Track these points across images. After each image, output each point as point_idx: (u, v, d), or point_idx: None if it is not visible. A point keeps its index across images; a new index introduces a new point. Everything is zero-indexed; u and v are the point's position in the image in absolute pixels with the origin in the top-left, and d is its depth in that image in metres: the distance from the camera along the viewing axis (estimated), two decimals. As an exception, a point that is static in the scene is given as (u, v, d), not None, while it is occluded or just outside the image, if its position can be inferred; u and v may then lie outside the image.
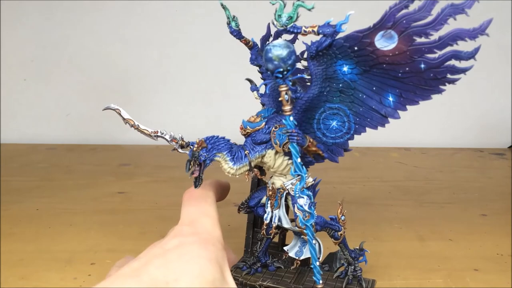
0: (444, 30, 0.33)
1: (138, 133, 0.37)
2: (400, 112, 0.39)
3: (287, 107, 0.36)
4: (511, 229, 0.64)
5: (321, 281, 0.40)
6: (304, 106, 0.39)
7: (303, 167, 0.38)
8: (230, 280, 0.30)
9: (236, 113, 0.42)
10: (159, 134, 0.39)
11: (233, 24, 0.42)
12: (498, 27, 1.04)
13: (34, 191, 0.76)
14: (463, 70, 0.34)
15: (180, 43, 1.03)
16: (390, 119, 0.40)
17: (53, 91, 1.06)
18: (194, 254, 0.29)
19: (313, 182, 0.42)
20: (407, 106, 0.38)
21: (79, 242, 0.58)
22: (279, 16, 0.37)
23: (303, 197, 0.39)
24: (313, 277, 0.40)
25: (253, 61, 0.43)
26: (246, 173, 0.40)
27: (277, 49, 0.33)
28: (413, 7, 0.33)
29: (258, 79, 0.45)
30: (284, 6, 0.36)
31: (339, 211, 0.44)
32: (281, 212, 0.42)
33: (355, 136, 0.42)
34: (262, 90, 0.44)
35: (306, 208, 0.39)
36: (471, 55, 0.33)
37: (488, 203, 0.73)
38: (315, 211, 0.40)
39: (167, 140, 0.40)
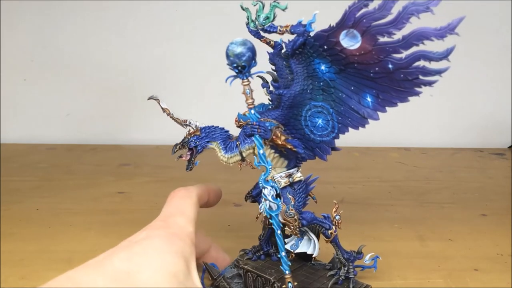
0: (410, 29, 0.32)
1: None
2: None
3: (249, 101, 0.38)
4: (511, 229, 0.64)
5: (287, 272, 0.41)
6: (287, 102, 0.40)
7: (268, 159, 0.40)
8: (195, 274, 0.30)
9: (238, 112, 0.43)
10: (187, 123, 0.42)
11: (251, 25, 0.42)
12: (498, 27, 1.05)
13: (34, 191, 0.76)
14: (437, 72, 0.33)
15: (181, 42, 1.03)
16: (371, 121, 0.39)
17: (53, 91, 1.06)
18: (158, 247, 0.29)
19: (301, 177, 0.43)
20: (387, 108, 0.38)
21: (79, 242, 0.58)
22: (258, 16, 0.39)
23: (266, 187, 0.40)
24: (280, 267, 0.41)
25: (270, 60, 0.43)
26: (239, 163, 0.42)
27: (233, 46, 0.35)
28: (376, 6, 0.33)
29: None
30: (263, 7, 0.38)
31: (333, 210, 0.45)
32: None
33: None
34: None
35: (269, 198, 0.40)
36: (442, 56, 0.32)
37: (488, 203, 0.73)
38: (280, 204, 0.40)
39: (192, 129, 0.42)
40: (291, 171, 0.42)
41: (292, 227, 0.42)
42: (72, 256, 0.55)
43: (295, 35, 0.38)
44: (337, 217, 0.44)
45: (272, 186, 0.40)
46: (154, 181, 0.82)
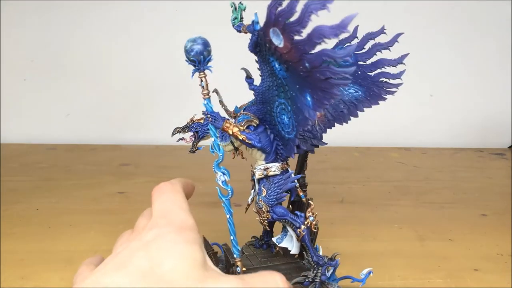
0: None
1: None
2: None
3: (204, 92, 0.40)
4: (511, 229, 0.64)
5: (235, 255, 0.42)
6: (258, 98, 0.42)
7: (220, 147, 0.41)
8: (209, 261, 0.31)
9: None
10: (232, 115, 0.45)
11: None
12: (498, 27, 1.05)
13: (34, 191, 0.76)
14: (344, 72, 0.31)
15: (181, 42, 1.03)
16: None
17: (53, 91, 1.06)
18: (173, 240, 0.30)
19: (275, 172, 0.43)
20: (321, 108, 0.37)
21: (79, 242, 0.58)
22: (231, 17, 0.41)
23: (217, 173, 0.41)
24: (231, 249, 0.42)
25: None
26: (233, 152, 0.44)
27: (186, 42, 0.38)
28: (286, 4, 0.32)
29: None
30: (236, 8, 0.41)
31: (308, 210, 0.44)
32: (255, 193, 0.45)
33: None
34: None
35: (220, 183, 0.41)
36: (344, 55, 0.31)
37: (488, 203, 0.73)
38: (229, 191, 0.41)
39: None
40: (269, 164, 0.43)
41: (261, 218, 0.44)
42: (72, 256, 0.55)
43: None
44: (311, 218, 0.44)
45: (222, 173, 0.41)
46: (154, 181, 0.81)
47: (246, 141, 0.42)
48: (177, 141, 0.45)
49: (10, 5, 1.01)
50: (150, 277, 0.27)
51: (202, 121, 0.45)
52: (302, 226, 0.43)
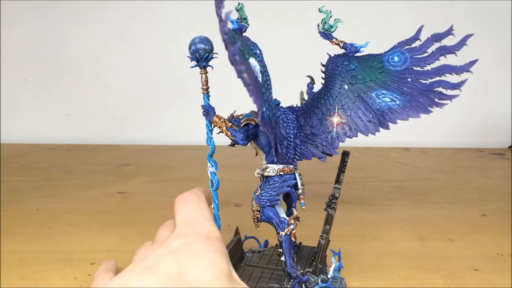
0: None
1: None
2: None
3: (203, 87, 0.42)
4: (511, 229, 0.64)
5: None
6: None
7: (211, 140, 0.42)
8: (234, 273, 0.31)
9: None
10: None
11: (321, 26, 0.44)
12: (498, 27, 1.05)
13: (34, 191, 0.76)
14: (239, 72, 0.31)
15: (181, 42, 1.03)
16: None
17: (53, 91, 1.06)
18: (201, 249, 0.30)
19: (269, 173, 0.43)
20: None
21: (79, 242, 0.58)
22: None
23: (208, 164, 0.43)
24: None
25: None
26: (256, 149, 0.45)
27: (190, 40, 0.40)
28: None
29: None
30: (241, 8, 0.42)
31: (290, 217, 0.44)
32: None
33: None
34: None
35: (208, 173, 0.42)
36: (232, 53, 0.30)
37: (488, 203, 0.73)
38: (215, 181, 0.42)
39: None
40: (268, 165, 0.43)
41: (252, 216, 0.44)
42: (72, 256, 0.55)
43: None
44: (291, 226, 0.43)
45: (211, 164, 0.42)
46: (154, 181, 0.82)
47: (230, 137, 0.42)
48: (217, 133, 0.44)
49: (10, 5, 1.01)
50: (177, 282, 0.27)
51: (240, 116, 0.44)
52: (281, 233, 0.43)
